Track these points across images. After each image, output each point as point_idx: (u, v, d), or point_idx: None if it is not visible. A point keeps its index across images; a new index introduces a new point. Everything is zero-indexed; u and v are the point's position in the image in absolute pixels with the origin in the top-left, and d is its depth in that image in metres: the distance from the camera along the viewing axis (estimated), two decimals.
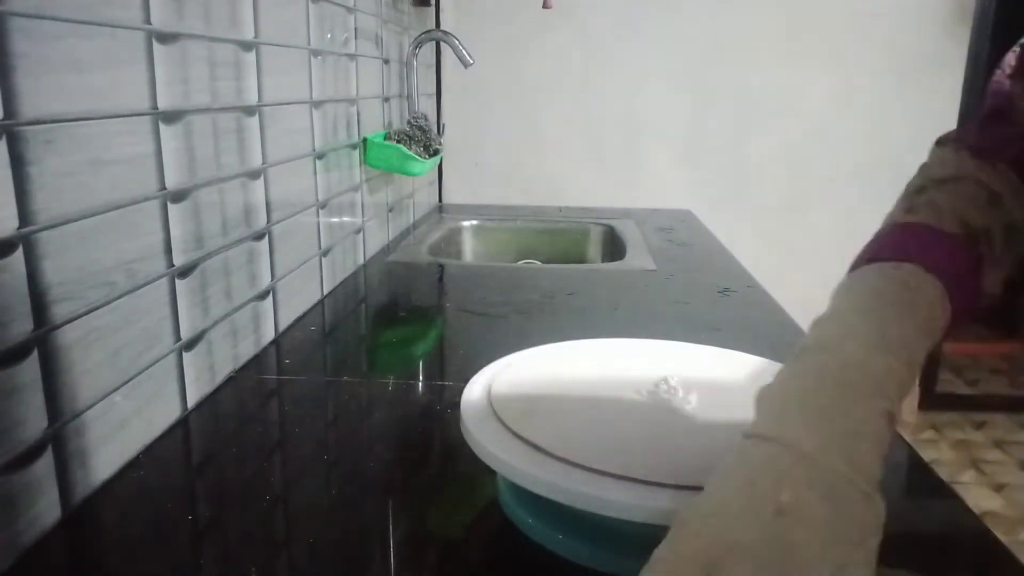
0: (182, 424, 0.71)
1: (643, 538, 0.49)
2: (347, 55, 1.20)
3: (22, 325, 0.50)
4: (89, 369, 0.57)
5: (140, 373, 0.64)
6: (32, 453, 0.51)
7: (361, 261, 1.33)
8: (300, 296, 1.02)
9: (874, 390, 0.39)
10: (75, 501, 0.56)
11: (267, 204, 0.90)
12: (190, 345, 0.72)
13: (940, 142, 0.56)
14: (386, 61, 1.46)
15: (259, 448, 0.70)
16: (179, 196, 0.69)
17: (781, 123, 2.27)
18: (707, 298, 1.17)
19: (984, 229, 0.48)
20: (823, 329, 0.44)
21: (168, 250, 0.68)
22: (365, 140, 1.31)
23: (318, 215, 1.09)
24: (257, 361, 0.87)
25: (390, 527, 0.57)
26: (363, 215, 1.33)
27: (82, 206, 0.56)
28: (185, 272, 0.71)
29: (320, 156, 1.08)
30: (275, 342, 0.93)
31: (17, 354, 0.50)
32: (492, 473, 0.60)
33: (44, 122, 0.51)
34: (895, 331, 0.42)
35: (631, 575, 0.49)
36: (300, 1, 1.00)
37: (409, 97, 1.62)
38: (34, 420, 0.52)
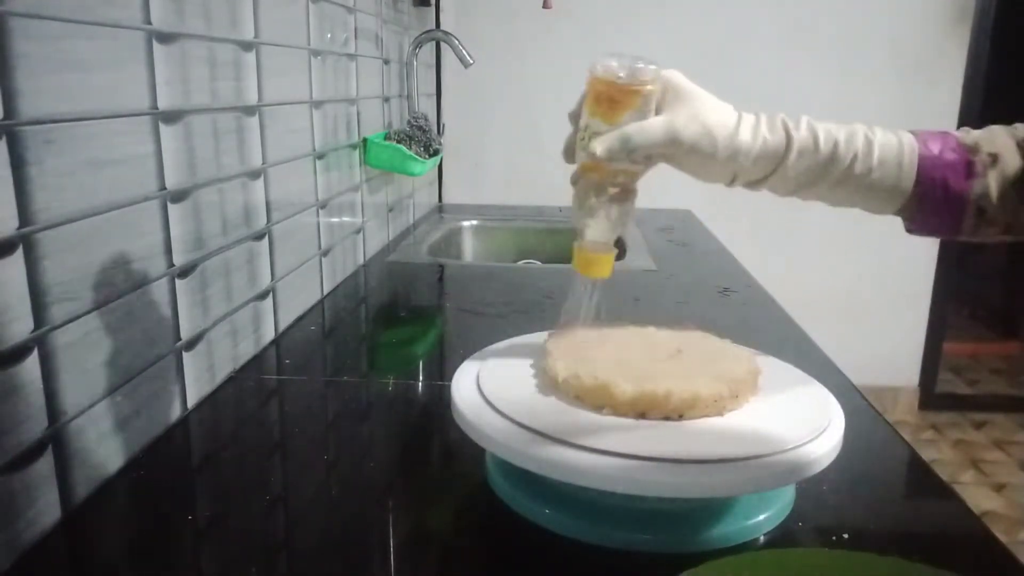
0: (182, 424, 0.71)
1: (621, 509, 0.53)
2: (347, 55, 1.20)
3: (22, 325, 0.50)
4: (89, 369, 0.57)
5: (140, 373, 0.64)
6: (32, 453, 0.51)
7: (361, 261, 1.33)
8: (300, 296, 1.02)
9: None
10: (75, 501, 0.56)
11: (267, 204, 0.90)
12: (190, 345, 0.72)
13: None
14: (386, 61, 1.46)
15: (259, 448, 0.70)
16: (179, 196, 0.69)
17: None
18: (707, 298, 1.17)
19: (989, 154, 0.56)
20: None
21: (168, 250, 0.68)
22: (365, 140, 1.31)
23: (318, 215, 1.09)
24: (257, 361, 0.87)
25: (390, 527, 0.57)
26: (363, 215, 1.33)
27: (82, 206, 0.56)
28: (185, 272, 0.71)
29: (320, 156, 1.08)
30: (275, 342, 0.93)
31: (17, 354, 0.50)
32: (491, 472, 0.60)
33: (44, 122, 0.51)
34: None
35: (614, 544, 0.52)
36: (300, 1, 1.00)
37: (409, 97, 1.62)
38: (34, 420, 0.52)
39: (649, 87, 0.56)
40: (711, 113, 0.56)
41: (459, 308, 1.15)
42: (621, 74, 0.55)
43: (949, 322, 2.63)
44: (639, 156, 0.56)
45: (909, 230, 0.60)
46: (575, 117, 0.60)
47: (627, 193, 0.60)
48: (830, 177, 0.56)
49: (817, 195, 0.58)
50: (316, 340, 0.98)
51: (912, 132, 0.57)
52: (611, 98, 0.56)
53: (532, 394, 0.58)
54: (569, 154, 0.62)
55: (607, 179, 0.59)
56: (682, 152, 0.56)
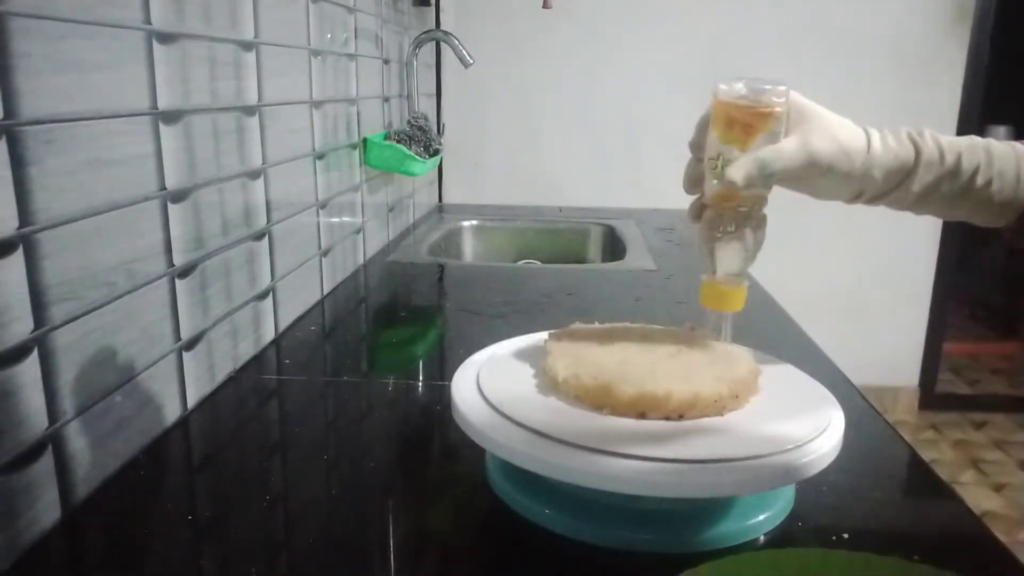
0: (182, 424, 0.71)
1: (621, 509, 0.53)
2: (347, 55, 1.20)
3: (22, 325, 0.50)
4: (89, 369, 0.57)
5: (140, 373, 0.64)
6: (32, 453, 0.51)
7: (361, 261, 1.33)
8: (300, 296, 1.02)
9: None
10: (75, 501, 0.56)
11: (267, 204, 0.90)
12: (190, 345, 0.72)
13: None
14: (386, 61, 1.46)
15: (259, 448, 0.70)
16: (179, 196, 0.69)
17: None
18: None
19: None
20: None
21: (168, 250, 0.68)
22: (365, 140, 1.31)
23: (318, 215, 1.09)
24: (257, 361, 0.87)
25: (390, 527, 0.57)
26: (363, 215, 1.33)
27: (82, 206, 0.56)
28: (185, 272, 0.71)
29: (320, 156, 1.08)
30: (275, 342, 0.93)
31: (17, 354, 0.50)
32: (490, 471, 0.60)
33: (44, 122, 0.51)
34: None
35: (614, 544, 0.52)
36: (300, 1, 1.00)
37: (409, 97, 1.62)
38: (34, 420, 0.52)
39: (779, 108, 0.54)
40: (841, 130, 0.55)
41: (459, 308, 1.15)
42: (755, 97, 0.54)
43: (949, 322, 2.63)
44: (776, 180, 0.55)
45: (1016, 243, 0.58)
46: (696, 146, 0.59)
47: (759, 220, 0.58)
48: (952, 190, 0.55)
49: (933, 208, 0.57)
50: (316, 340, 0.98)
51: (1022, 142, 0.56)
52: (745, 122, 0.54)
53: (532, 394, 0.58)
54: (691, 184, 0.60)
55: (739, 206, 0.57)
56: (818, 172, 0.54)
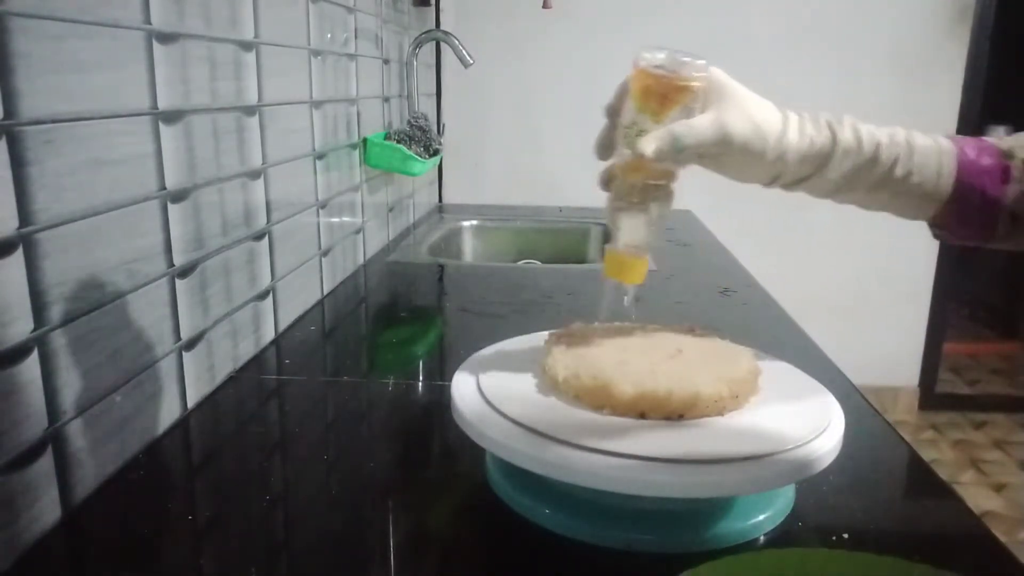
0: (182, 424, 0.71)
1: (621, 509, 0.53)
2: (347, 55, 1.20)
3: (22, 325, 0.50)
4: (89, 369, 0.57)
5: (140, 373, 0.64)
6: (32, 453, 0.51)
7: (361, 261, 1.33)
8: (300, 296, 1.02)
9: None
10: (75, 501, 0.56)
11: (267, 204, 0.90)
12: (190, 345, 0.72)
13: None
14: (386, 61, 1.46)
15: (259, 448, 0.70)
16: (179, 196, 0.69)
17: None
18: (707, 298, 1.17)
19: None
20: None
21: (168, 250, 0.68)
22: (365, 140, 1.31)
23: (318, 215, 1.09)
24: (257, 361, 0.87)
25: (390, 527, 0.57)
26: (363, 215, 1.33)
27: (82, 206, 0.56)
28: (185, 272, 0.71)
29: (320, 156, 1.08)
30: (275, 342, 0.93)
31: (17, 354, 0.50)
32: (490, 472, 0.60)
33: (44, 122, 0.51)
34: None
35: (614, 544, 0.52)
36: (300, 1, 1.00)
37: (409, 97, 1.62)
38: (34, 420, 0.52)
39: (697, 83, 0.53)
40: (758, 111, 0.54)
41: (459, 308, 1.15)
42: (674, 68, 0.52)
43: (949, 322, 2.63)
44: (687, 156, 0.54)
45: (940, 236, 0.58)
46: (612, 111, 0.57)
47: (666, 193, 0.57)
48: (870, 179, 0.55)
49: (854, 198, 0.57)
50: (316, 340, 0.98)
51: (948, 137, 0.56)
52: (661, 93, 0.53)
53: (532, 394, 0.58)
54: (603, 150, 0.59)
55: (648, 178, 0.56)
56: (730, 152, 0.53)
